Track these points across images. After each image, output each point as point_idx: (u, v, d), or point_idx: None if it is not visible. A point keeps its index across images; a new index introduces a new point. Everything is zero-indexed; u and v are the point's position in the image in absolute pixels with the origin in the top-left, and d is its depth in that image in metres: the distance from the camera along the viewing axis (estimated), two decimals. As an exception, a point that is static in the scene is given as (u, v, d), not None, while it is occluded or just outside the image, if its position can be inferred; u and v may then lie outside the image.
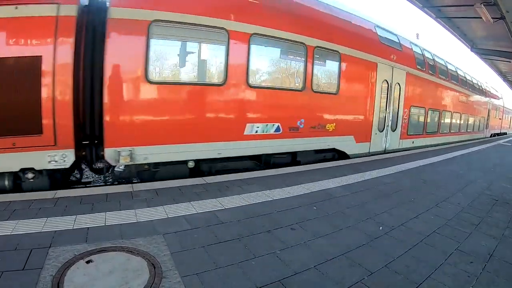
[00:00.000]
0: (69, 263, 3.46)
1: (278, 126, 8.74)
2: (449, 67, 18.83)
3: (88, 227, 4.36)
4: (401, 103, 13.68)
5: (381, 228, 5.08)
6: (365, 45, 11.30)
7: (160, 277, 3.32)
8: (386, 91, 12.53)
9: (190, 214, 5.08)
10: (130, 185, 6.39)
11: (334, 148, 10.68)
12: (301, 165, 9.42)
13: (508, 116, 43.03)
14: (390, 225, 5.24)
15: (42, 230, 4.19)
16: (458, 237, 4.99)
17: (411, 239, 4.77)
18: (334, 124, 10.26)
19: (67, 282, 3.15)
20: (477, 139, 26.22)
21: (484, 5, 11.69)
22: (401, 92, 13.50)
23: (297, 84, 9.54)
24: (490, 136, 31.85)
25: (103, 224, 4.49)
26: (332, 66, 10.40)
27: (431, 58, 16.61)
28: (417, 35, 17.88)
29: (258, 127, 8.30)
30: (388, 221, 5.42)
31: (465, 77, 21.39)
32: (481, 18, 12.74)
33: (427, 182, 8.65)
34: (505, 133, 40.64)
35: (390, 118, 13.04)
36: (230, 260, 3.76)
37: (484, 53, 19.22)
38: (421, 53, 15.43)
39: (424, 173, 9.91)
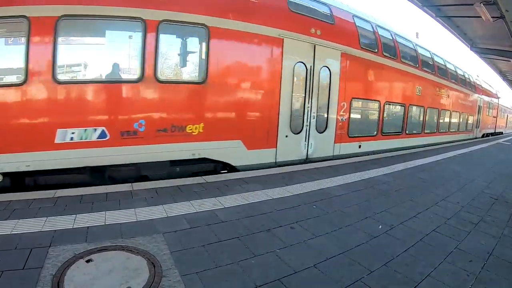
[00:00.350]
0: (69, 262, 3.45)
1: (103, 130, 6.51)
2: (421, 52, 15.87)
3: (88, 227, 4.35)
4: (334, 95, 10.42)
5: (380, 227, 5.09)
6: (258, 14, 8.32)
7: (160, 276, 3.32)
8: (305, 78, 9.45)
9: (190, 213, 5.08)
10: (130, 184, 6.38)
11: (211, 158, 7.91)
12: (152, 180, 7.01)
13: (504, 115, 40.39)
14: (390, 224, 5.25)
15: (42, 230, 4.19)
16: (458, 236, 4.99)
17: (410, 238, 4.77)
18: (202, 124, 7.42)
19: (67, 281, 3.15)
20: (465, 140, 22.90)
21: (483, 4, 11.69)
22: (332, 79, 10.24)
23: (130, 74, 7.22)
24: (482, 137, 28.75)
25: (103, 223, 4.49)
26: (194, 45, 8.03)
27: (390, 38, 13.40)
28: (417, 34, 17.86)
29: (73, 133, 6.28)
30: (387, 220, 5.43)
31: (445, 66, 18.49)
32: (480, 17, 12.74)
33: (427, 181, 8.65)
34: (501, 133, 37.64)
35: (313, 114, 9.78)
36: (230, 259, 3.77)
37: (484, 52, 19.23)
38: (372, 30, 12.31)
39: (423, 172, 9.89)
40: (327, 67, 10.05)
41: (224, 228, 4.65)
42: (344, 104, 10.78)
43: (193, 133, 7.34)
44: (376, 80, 12.39)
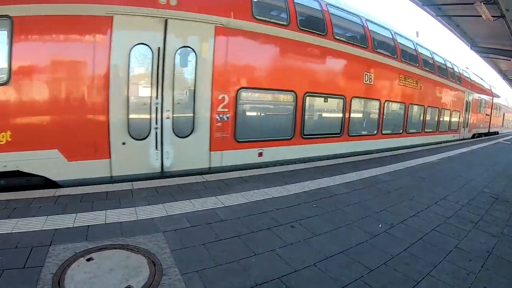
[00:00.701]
0: (69, 261, 3.47)
1: None
2: (375, 29, 12.67)
3: (88, 225, 4.37)
4: (205, 85, 7.60)
5: (380, 226, 5.11)
6: None
7: (160, 274, 3.33)
8: (150, 65, 6.99)
9: (190, 212, 5.10)
10: (130, 183, 6.39)
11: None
12: None
13: (499, 113, 36.24)
14: (390, 222, 5.26)
15: (43, 229, 4.21)
16: (457, 235, 5.00)
17: (410, 237, 4.79)
18: (9, 132, 5.82)
19: (68, 279, 3.16)
20: (448, 142, 19.86)
21: (484, 3, 11.67)
22: (201, 64, 7.51)
23: None
24: (473, 137, 25.52)
25: (103, 222, 4.50)
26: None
27: (311, 6, 10.25)
28: (417, 33, 17.80)
29: None
30: (387, 218, 5.44)
31: (416, 50, 15.59)
32: (481, 16, 12.72)
33: (426, 180, 8.66)
34: (496, 133, 34.67)
35: (167, 114, 7.18)
36: (230, 258, 3.78)
37: (484, 52, 19.19)
38: None
39: (424, 171, 9.90)
40: (190, 47, 7.38)
41: (224, 227, 4.66)
42: (224, 97, 7.88)
43: (1, 142, 5.78)
44: (288, 63, 9.41)
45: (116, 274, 3.30)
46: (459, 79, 20.90)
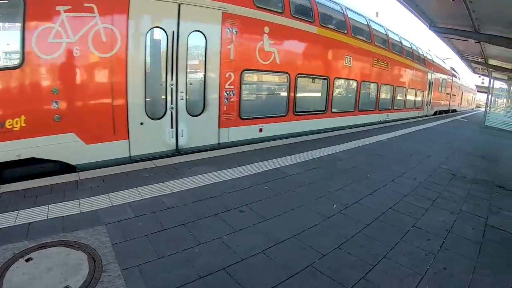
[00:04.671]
0: (8, 263, 3.20)
1: None
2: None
3: (29, 222, 4.05)
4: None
5: (334, 206, 5.00)
6: None
7: (100, 271, 3.13)
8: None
9: (136, 200, 4.81)
10: (77, 173, 5.96)
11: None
12: None
13: (459, 92, 38.59)
14: (344, 202, 5.17)
15: (-19, 230, 3.86)
16: (415, 214, 4.96)
17: (366, 217, 4.71)
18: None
19: (5, 283, 2.93)
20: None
21: (443, -17, 11.63)
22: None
23: None
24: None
25: (45, 218, 4.17)
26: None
27: None
28: (377, 13, 17.79)
29: None
30: (342, 198, 5.36)
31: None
32: (441, -4, 12.72)
33: (384, 157, 8.70)
34: (455, 110, 36.85)
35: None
36: (173, 249, 3.57)
37: (443, 32, 19.26)
38: None
39: (382, 148, 9.97)
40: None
41: (169, 215, 4.42)
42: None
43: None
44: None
45: (55, 274, 3.07)
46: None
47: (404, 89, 19.72)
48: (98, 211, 4.39)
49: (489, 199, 6.07)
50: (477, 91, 58.44)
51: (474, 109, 54.67)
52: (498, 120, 22.40)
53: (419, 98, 22.76)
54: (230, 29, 8.35)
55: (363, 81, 14.65)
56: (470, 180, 7.19)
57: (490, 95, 22.97)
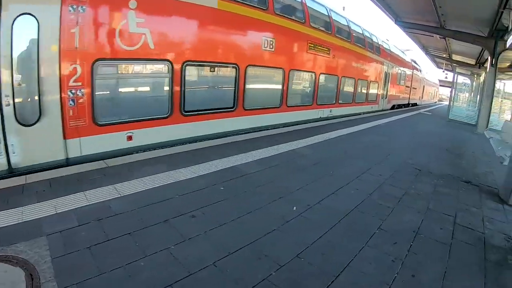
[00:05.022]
0: None
1: None
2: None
3: None
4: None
5: (295, 208, 4.55)
6: None
7: None
8: None
9: (82, 206, 4.21)
10: (24, 176, 5.21)
11: None
12: None
13: (419, 85, 36.09)
14: (306, 204, 4.73)
15: None
16: (381, 214, 4.62)
17: (329, 219, 4.30)
18: None
19: None
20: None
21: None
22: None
23: None
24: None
25: None
26: None
27: None
28: (343, 8, 17.42)
29: None
30: (303, 199, 4.91)
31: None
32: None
33: (348, 152, 8.33)
34: (416, 104, 35.07)
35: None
36: (116, 263, 3.08)
37: (408, 26, 19.35)
38: None
39: (346, 142, 9.61)
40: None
41: (116, 222, 3.87)
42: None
43: None
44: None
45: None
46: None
47: (353, 80, 17.43)
48: (42, 219, 3.79)
49: (457, 195, 5.86)
50: (440, 85, 59.40)
51: (436, 102, 55.13)
52: (461, 114, 22.74)
53: (373, 91, 20.47)
54: (75, 7, 5.98)
55: (292, 69, 11.75)
56: (436, 175, 6.94)
57: (454, 90, 23.21)
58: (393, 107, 25.56)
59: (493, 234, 4.43)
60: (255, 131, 10.11)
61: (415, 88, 33.20)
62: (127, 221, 3.88)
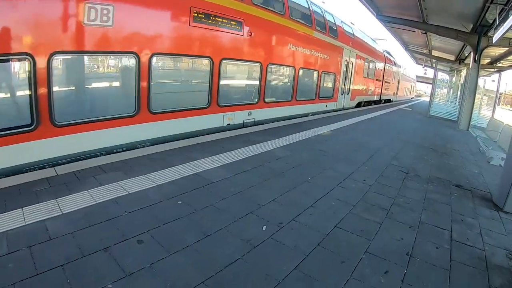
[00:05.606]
0: None
1: None
2: None
3: None
4: None
5: (264, 228, 3.77)
6: None
7: None
8: None
9: (16, 228, 3.37)
10: None
11: None
12: None
13: (393, 80, 31.48)
14: (277, 221, 3.97)
15: None
16: (367, 232, 3.93)
17: (305, 243, 3.55)
18: None
19: None
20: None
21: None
22: None
23: None
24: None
25: None
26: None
27: None
28: (323, 1, 16.47)
29: None
30: (275, 214, 4.15)
31: None
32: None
33: (328, 154, 7.57)
34: (390, 101, 31.40)
35: None
36: None
37: (389, 21, 18.83)
38: None
39: (325, 142, 8.78)
40: None
41: (50, 249, 3.06)
42: None
43: None
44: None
45: None
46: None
47: (292, 70, 12.44)
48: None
49: (449, 203, 5.27)
50: (417, 81, 58.29)
51: (413, 98, 52.75)
52: (441, 110, 22.44)
53: (327, 84, 15.83)
54: None
55: (155, 54, 7.01)
56: (425, 179, 6.36)
57: (434, 86, 22.86)
58: (359, 105, 21.39)
59: (494, 251, 3.85)
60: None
61: (388, 83, 29.38)
62: (62, 248, 3.08)
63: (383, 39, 30.14)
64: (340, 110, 17.37)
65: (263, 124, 10.58)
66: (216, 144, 7.26)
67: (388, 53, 29.07)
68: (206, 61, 8.43)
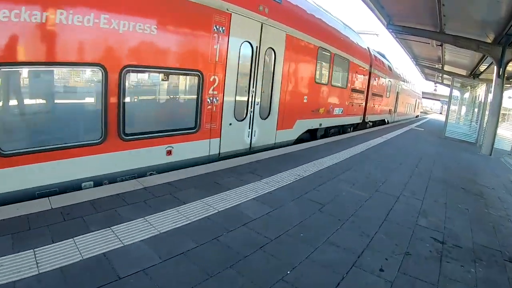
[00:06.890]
0: None
1: None
2: None
3: None
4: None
5: None
6: None
7: None
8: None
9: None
10: None
11: None
12: None
13: (390, 92, 22.85)
14: None
15: None
16: None
17: None
18: None
19: None
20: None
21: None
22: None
23: None
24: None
25: None
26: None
27: None
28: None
29: None
30: None
31: None
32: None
33: (325, 209, 5.16)
34: (385, 122, 23.76)
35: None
36: None
37: (400, 31, 16.79)
38: None
39: (321, 188, 6.24)
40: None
41: None
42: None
43: None
44: None
45: None
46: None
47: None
48: None
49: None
50: (422, 97, 53.87)
51: (418, 116, 46.96)
52: (457, 129, 20.45)
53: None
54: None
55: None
56: (468, 253, 4.24)
57: (450, 104, 20.82)
58: (325, 133, 13.41)
59: None
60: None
61: (381, 96, 20.76)
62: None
63: (374, 34, 26.82)
64: (232, 156, 7.84)
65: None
66: (171, 188, 5.03)
67: (380, 54, 21.63)
68: None
